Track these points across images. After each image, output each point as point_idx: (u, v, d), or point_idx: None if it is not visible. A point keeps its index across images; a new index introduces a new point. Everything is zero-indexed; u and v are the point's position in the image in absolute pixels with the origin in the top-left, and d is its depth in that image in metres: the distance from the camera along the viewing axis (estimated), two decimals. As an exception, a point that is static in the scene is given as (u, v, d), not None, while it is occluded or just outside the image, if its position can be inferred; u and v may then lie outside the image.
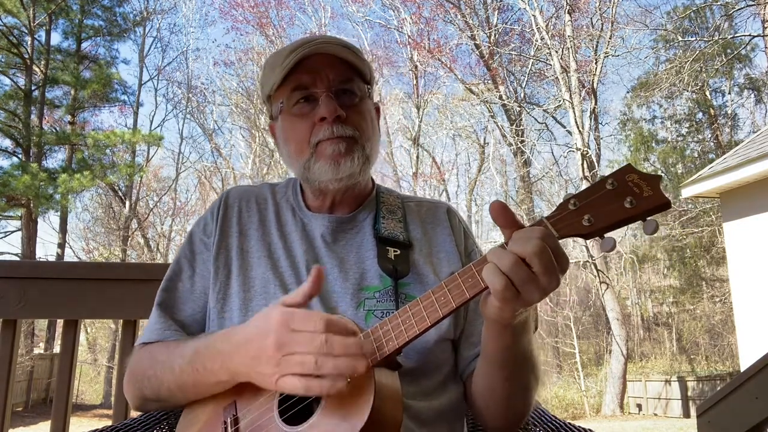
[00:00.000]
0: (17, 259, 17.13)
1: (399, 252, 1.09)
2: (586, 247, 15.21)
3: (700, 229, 18.98)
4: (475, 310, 1.10)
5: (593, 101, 17.68)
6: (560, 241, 0.78)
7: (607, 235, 0.77)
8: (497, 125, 20.68)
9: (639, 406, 17.86)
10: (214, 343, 0.90)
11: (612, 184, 0.77)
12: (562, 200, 0.80)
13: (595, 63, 17.70)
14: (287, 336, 0.77)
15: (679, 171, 21.14)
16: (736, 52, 18.50)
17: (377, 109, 1.21)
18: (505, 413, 0.99)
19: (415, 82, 21.10)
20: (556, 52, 17.60)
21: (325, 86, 1.08)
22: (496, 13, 20.37)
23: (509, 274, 0.74)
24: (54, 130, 18.65)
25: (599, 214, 0.77)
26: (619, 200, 0.76)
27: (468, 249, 1.18)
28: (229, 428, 0.88)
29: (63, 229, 20.15)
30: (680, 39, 17.28)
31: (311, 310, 1.02)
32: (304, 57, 1.07)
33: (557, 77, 17.71)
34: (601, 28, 17.83)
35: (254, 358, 0.81)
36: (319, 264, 1.08)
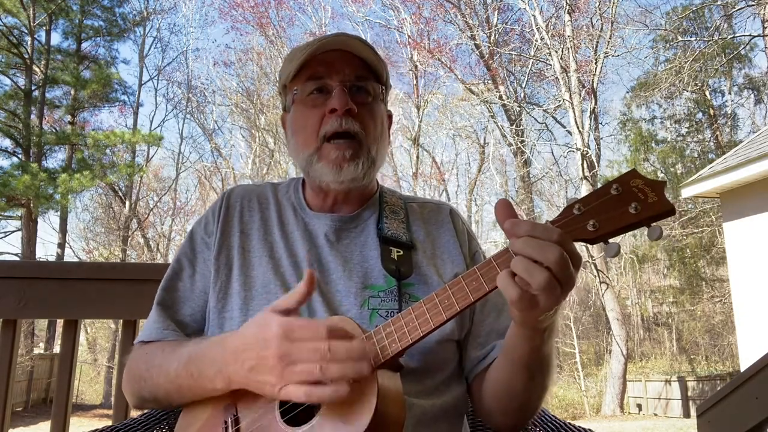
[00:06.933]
0: (17, 259, 17.13)
1: (402, 253, 1.09)
2: (586, 247, 15.23)
3: (700, 229, 18.98)
4: (482, 311, 1.11)
5: (593, 101, 17.69)
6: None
7: (611, 240, 0.77)
8: (497, 125, 20.70)
9: (639, 406, 17.86)
10: (209, 350, 0.90)
11: (617, 189, 0.77)
12: (565, 203, 0.80)
13: (595, 63, 17.70)
14: (289, 346, 0.77)
15: (679, 171, 21.11)
16: (735, 52, 18.50)
17: (389, 117, 1.22)
18: (520, 412, 1.00)
19: (415, 82, 21.12)
20: (556, 52, 17.60)
21: (339, 79, 1.08)
22: (496, 13, 20.37)
23: (521, 283, 0.74)
24: (54, 130, 18.65)
25: (604, 220, 0.76)
26: (623, 206, 0.76)
27: (472, 251, 1.18)
28: (230, 428, 0.88)
29: (63, 229, 20.15)
30: (680, 39, 17.29)
31: (312, 318, 1.01)
32: (322, 50, 1.08)
33: (557, 77, 17.72)
34: (601, 28, 17.84)
35: (253, 369, 0.81)
36: (322, 264, 1.09)
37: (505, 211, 0.78)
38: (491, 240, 21.73)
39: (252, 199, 1.19)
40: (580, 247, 0.79)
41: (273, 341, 0.78)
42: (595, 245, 0.82)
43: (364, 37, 1.17)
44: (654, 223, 0.75)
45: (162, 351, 1.01)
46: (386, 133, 1.17)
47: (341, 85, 1.07)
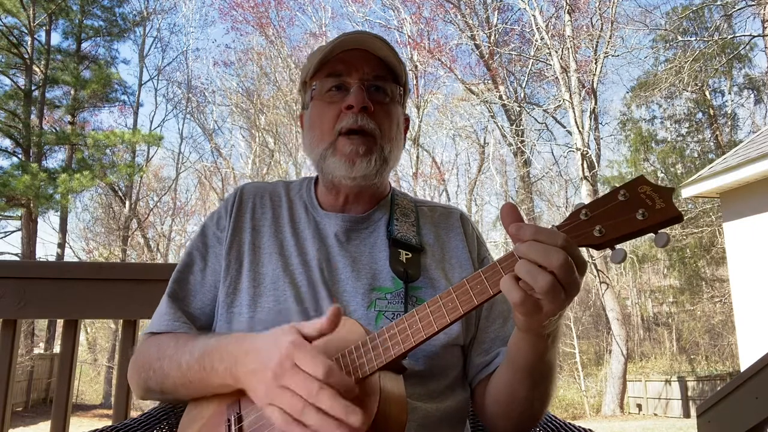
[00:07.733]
0: (17, 259, 17.13)
1: (411, 255, 1.09)
2: (587, 248, 15.16)
3: (700, 229, 18.97)
4: (487, 317, 1.11)
5: (593, 101, 17.68)
6: None
7: (617, 246, 0.76)
8: (497, 125, 20.70)
9: (639, 406, 17.86)
10: (226, 346, 0.90)
11: (624, 195, 0.77)
12: (566, 204, 0.79)
13: (595, 63, 17.70)
14: (287, 368, 0.76)
15: (679, 171, 21.09)
16: (735, 52, 18.50)
17: (406, 120, 1.22)
18: (523, 418, 0.99)
19: (415, 82, 21.08)
20: (556, 52, 17.61)
21: (358, 77, 1.09)
22: (496, 13, 20.37)
23: (525, 287, 0.74)
24: (54, 130, 18.64)
25: (611, 226, 0.76)
26: (631, 212, 0.75)
27: (481, 256, 1.18)
28: (232, 426, 0.88)
29: (63, 229, 20.15)
30: (680, 39, 17.29)
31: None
32: (342, 48, 1.08)
33: (557, 77, 17.72)
34: (601, 28, 17.83)
35: (253, 372, 0.81)
36: (331, 263, 1.09)
37: (510, 214, 0.77)
38: (491, 240, 21.70)
39: (264, 196, 1.20)
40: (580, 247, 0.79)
41: (278, 355, 0.78)
42: (601, 251, 0.81)
43: (383, 38, 1.16)
44: (661, 230, 0.75)
45: (176, 342, 1.01)
46: (401, 135, 1.18)
47: (360, 83, 1.08)
